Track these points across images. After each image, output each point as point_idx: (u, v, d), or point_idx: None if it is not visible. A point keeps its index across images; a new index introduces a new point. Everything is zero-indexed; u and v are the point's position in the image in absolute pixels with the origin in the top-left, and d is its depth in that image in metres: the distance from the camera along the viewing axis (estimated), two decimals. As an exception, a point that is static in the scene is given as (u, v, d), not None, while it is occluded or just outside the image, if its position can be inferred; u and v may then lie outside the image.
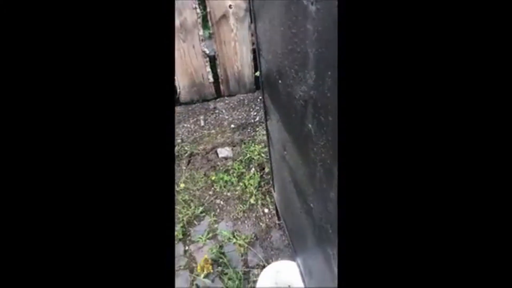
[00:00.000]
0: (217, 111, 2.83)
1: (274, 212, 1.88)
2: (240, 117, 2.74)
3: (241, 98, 2.92)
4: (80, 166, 0.36)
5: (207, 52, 2.58)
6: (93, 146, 0.35)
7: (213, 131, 2.62)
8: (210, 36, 2.52)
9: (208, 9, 2.36)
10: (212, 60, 2.65)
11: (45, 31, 0.34)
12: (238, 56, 2.65)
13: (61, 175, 0.35)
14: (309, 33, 0.56)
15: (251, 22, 1.07)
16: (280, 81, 0.90)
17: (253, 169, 2.22)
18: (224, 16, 2.41)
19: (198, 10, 2.37)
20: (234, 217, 1.92)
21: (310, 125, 0.69)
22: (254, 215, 1.92)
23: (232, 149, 2.42)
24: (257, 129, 2.57)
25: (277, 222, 1.84)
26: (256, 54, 1.14)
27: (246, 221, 1.89)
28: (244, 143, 2.44)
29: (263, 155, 2.28)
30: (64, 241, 0.35)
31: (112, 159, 0.36)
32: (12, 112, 0.33)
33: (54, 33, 0.34)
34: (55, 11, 0.34)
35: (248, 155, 2.31)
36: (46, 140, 0.34)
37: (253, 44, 2.37)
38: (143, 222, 0.37)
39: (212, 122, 2.73)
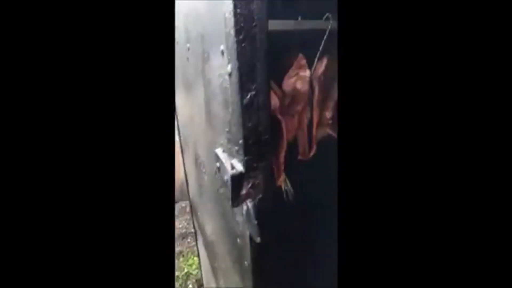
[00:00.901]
0: (157, 220, 2.77)
1: None
2: (180, 226, 2.71)
3: (183, 205, 2.95)
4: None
5: (151, 163, 2.71)
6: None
7: (150, 242, 2.50)
8: (155, 149, 2.69)
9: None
10: (155, 170, 2.76)
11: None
12: (181, 168, 2.81)
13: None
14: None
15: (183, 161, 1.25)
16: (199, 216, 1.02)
17: (191, 286, 2.09)
18: (169, 133, 2.65)
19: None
20: None
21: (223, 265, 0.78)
22: None
23: (169, 263, 2.29)
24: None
25: None
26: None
27: None
28: (183, 256, 2.35)
29: (201, 268, 2.20)
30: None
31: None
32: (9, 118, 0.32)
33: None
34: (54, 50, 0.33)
35: (186, 270, 2.20)
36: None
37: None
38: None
39: (151, 232, 2.63)
